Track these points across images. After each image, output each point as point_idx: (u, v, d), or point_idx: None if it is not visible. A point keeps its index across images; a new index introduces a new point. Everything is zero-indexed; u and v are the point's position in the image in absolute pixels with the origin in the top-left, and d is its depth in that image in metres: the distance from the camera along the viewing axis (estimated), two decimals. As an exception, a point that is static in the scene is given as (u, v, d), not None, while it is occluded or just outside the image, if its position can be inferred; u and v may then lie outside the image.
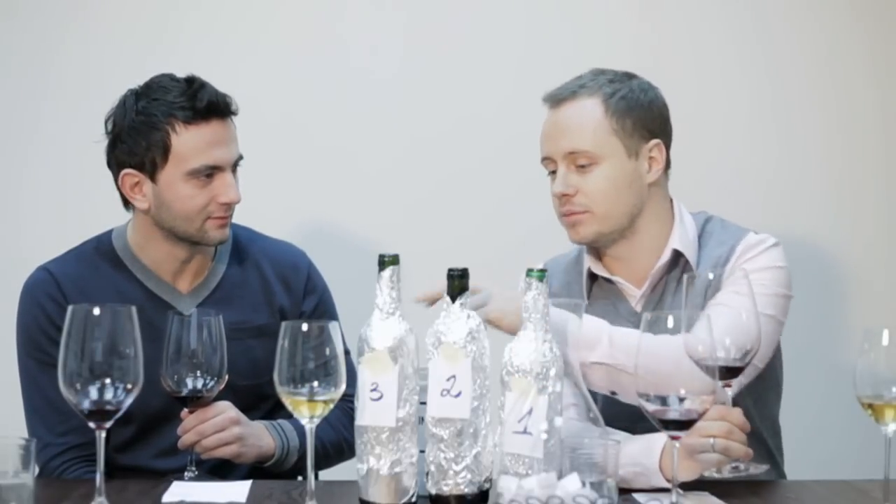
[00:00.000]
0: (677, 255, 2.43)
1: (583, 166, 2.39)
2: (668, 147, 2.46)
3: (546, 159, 2.45)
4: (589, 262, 2.49)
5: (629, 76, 2.46)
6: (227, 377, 2.26)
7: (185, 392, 2.26)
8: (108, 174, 2.50)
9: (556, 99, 2.44)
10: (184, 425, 2.31)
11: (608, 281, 2.48)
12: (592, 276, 2.50)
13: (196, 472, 2.28)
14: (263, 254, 2.61)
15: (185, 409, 2.30)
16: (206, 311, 2.29)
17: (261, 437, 2.40)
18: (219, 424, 2.31)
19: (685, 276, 2.20)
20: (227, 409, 2.33)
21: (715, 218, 2.50)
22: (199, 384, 2.25)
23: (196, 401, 2.28)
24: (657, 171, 2.43)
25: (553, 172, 2.45)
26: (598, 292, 2.49)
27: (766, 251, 2.40)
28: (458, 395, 1.98)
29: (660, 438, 2.12)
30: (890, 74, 3.37)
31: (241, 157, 2.49)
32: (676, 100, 2.55)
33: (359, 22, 3.34)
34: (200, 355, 2.24)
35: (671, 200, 2.49)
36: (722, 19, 3.35)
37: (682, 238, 2.43)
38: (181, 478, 2.27)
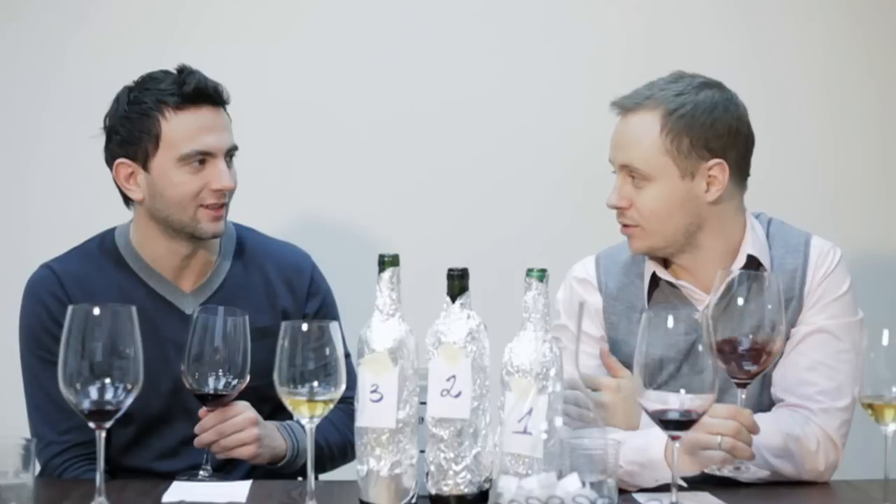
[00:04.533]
0: (749, 261, 2.37)
1: (636, 180, 2.35)
2: (740, 163, 2.38)
3: (610, 162, 2.42)
4: (654, 267, 2.42)
5: (705, 86, 2.38)
6: (248, 378, 2.24)
7: (206, 391, 2.24)
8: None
9: (623, 107, 2.38)
10: (202, 424, 2.29)
11: (672, 286, 2.41)
12: (654, 280, 2.43)
13: (210, 471, 2.27)
14: (267, 255, 2.60)
15: (204, 408, 2.28)
16: (231, 308, 2.26)
17: (274, 438, 2.39)
18: (238, 424, 2.30)
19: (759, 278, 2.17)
20: (246, 410, 2.31)
21: (774, 219, 2.46)
22: (221, 384, 2.23)
23: (216, 399, 2.26)
24: (717, 191, 2.35)
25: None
26: (659, 296, 2.42)
27: (837, 269, 2.38)
28: (458, 395, 1.98)
29: (658, 432, 2.09)
30: (890, 74, 3.37)
31: (235, 148, 2.48)
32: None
33: (359, 15, 3.33)
34: (224, 353, 2.22)
35: (744, 212, 2.42)
36: (719, 20, 3.35)
37: (754, 243, 2.38)
38: (195, 475, 2.26)
